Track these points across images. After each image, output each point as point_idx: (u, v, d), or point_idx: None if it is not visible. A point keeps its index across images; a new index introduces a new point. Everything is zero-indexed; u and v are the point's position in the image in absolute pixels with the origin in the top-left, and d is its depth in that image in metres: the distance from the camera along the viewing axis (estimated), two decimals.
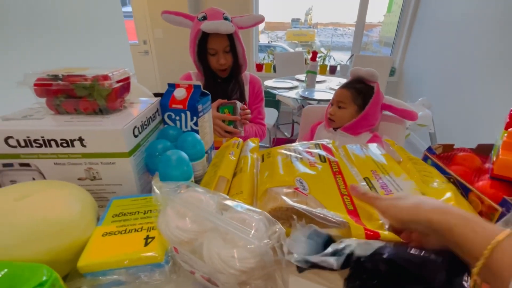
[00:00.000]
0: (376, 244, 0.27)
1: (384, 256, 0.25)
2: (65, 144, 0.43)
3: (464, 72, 2.02)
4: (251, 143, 0.65)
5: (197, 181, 0.55)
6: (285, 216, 0.40)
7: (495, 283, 0.22)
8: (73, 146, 0.43)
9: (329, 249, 0.26)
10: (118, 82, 0.48)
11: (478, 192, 0.46)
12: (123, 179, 0.47)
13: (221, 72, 0.98)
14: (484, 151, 0.61)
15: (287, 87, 2.15)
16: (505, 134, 0.46)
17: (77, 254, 0.34)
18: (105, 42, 1.72)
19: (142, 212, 0.41)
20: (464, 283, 0.23)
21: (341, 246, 0.26)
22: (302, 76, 2.42)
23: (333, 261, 0.24)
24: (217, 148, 0.69)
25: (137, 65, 2.42)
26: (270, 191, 0.44)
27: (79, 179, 0.46)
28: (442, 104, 2.18)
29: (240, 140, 0.66)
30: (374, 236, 0.31)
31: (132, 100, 0.57)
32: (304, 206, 0.37)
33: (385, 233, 0.33)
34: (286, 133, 2.91)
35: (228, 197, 0.40)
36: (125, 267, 0.34)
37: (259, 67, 3.19)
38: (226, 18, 0.92)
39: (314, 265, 0.26)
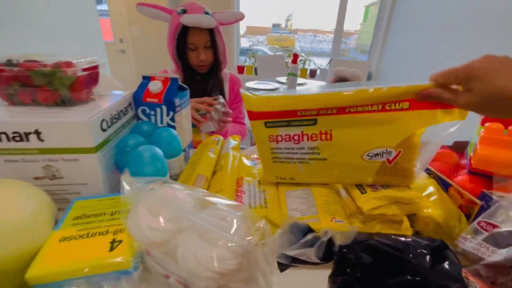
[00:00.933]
0: (353, 232, 0.25)
1: (369, 243, 0.24)
2: (18, 138, 0.38)
3: None
4: (232, 141, 0.62)
5: (173, 180, 0.51)
6: None
7: None
8: (28, 140, 0.38)
9: (308, 237, 0.24)
10: (84, 70, 0.44)
11: (458, 187, 0.47)
12: (89, 177, 0.42)
13: (200, 68, 0.94)
14: (460, 148, 0.63)
15: (268, 89, 2.15)
16: (482, 130, 0.47)
17: (29, 264, 0.29)
18: (78, 39, 1.62)
19: (109, 213, 0.37)
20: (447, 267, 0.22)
21: (319, 233, 0.24)
22: (283, 79, 2.44)
23: (312, 252, 0.22)
24: (196, 146, 0.66)
25: (113, 64, 2.31)
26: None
27: (35, 178, 0.41)
28: None
29: (221, 137, 0.63)
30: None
31: (102, 93, 0.52)
32: None
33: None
34: None
35: (208, 192, 0.37)
36: (85, 276, 0.29)
37: (241, 69, 3.18)
38: (206, 13, 0.89)
39: (296, 261, 0.24)
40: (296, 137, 0.41)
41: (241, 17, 0.99)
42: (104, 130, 0.43)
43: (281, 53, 3.27)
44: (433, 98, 0.33)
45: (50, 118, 0.38)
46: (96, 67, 0.46)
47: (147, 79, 0.56)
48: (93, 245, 0.32)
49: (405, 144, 0.36)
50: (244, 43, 5.37)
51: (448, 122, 0.35)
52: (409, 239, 0.25)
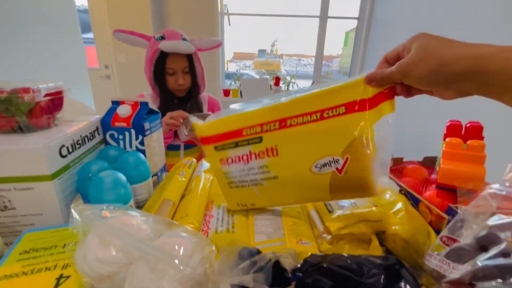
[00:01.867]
0: (292, 253, 0.24)
1: (323, 265, 0.23)
2: None
3: None
4: (206, 163, 0.61)
5: (140, 206, 0.49)
6: None
7: None
8: None
9: (247, 262, 0.23)
10: (46, 96, 0.43)
11: (427, 202, 0.47)
12: (44, 207, 0.40)
13: (178, 92, 0.95)
14: (429, 163, 0.65)
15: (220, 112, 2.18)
16: (444, 145, 0.49)
17: None
18: (61, 66, 1.63)
19: (61, 245, 0.34)
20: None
21: (256, 258, 0.23)
22: None
23: (258, 278, 0.21)
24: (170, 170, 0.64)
25: (97, 90, 2.31)
26: None
27: None
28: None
29: (194, 160, 0.62)
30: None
31: (70, 118, 0.51)
32: None
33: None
34: None
35: (169, 220, 0.35)
36: None
37: (226, 93, 3.24)
38: (184, 39, 0.92)
39: None
40: (245, 157, 0.41)
41: (218, 43, 1.03)
42: (63, 156, 0.42)
43: (266, 76, 3.38)
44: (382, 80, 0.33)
45: (1, 146, 0.37)
46: (59, 92, 0.46)
47: (116, 103, 0.56)
48: (37, 282, 0.29)
49: (350, 150, 0.35)
50: (232, 67, 5.54)
51: (385, 117, 0.34)
52: (363, 259, 0.25)
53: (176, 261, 0.26)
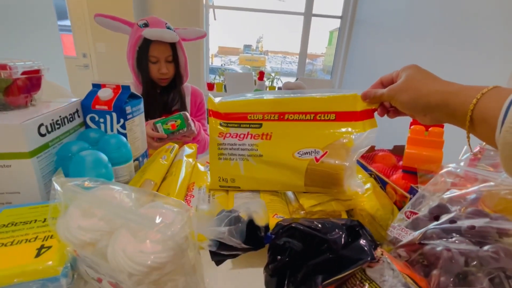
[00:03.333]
0: (261, 205, 0.27)
1: (291, 226, 0.25)
2: None
3: None
4: (188, 149, 0.62)
5: None
6: None
7: (482, 130, 0.26)
8: None
9: (222, 215, 0.25)
10: (23, 74, 0.42)
11: (393, 184, 0.52)
12: (22, 185, 0.40)
13: (160, 81, 0.95)
14: (399, 151, 0.70)
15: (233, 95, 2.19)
16: (409, 132, 0.53)
17: None
18: (36, 52, 1.55)
19: (41, 220, 0.35)
20: (362, 243, 0.24)
21: (231, 210, 0.25)
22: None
23: (233, 232, 0.23)
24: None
25: (74, 79, 2.22)
26: None
27: None
28: None
29: (176, 145, 0.63)
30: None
31: (46, 99, 0.50)
32: None
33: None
34: None
35: (150, 191, 0.36)
36: (6, 286, 0.27)
37: (211, 87, 3.22)
38: (168, 28, 0.91)
39: (227, 249, 0.24)
40: (242, 135, 0.46)
41: (202, 34, 1.03)
42: (42, 135, 0.41)
43: (250, 71, 3.40)
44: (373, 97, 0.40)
45: None
46: (37, 71, 0.45)
47: (97, 86, 0.55)
48: (17, 252, 0.30)
49: (331, 147, 0.42)
50: (217, 62, 5.47)
51: (367, 132, 0.41)
52: (328, 221, 0.28)
53: (157, 222, 0.27)
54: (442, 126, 0.54)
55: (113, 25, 0.90)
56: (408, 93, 0.34)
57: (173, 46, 0.92)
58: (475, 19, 1.47)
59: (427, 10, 1.90)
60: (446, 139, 0.50)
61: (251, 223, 0.25)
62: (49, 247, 0.31)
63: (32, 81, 0.45)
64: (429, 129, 0.51)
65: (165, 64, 0.92)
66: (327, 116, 0.43)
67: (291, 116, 0.44)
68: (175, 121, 0.79)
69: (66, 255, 0.31)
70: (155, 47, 0.89)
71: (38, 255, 0.30)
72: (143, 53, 0.90)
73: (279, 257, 0.27)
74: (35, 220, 0.35)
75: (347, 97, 0.43)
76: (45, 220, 0.35)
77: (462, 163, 0.50)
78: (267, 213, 0.27)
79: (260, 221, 0.25)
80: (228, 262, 0.33)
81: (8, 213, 0.36)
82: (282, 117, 0.45)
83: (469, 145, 0.30)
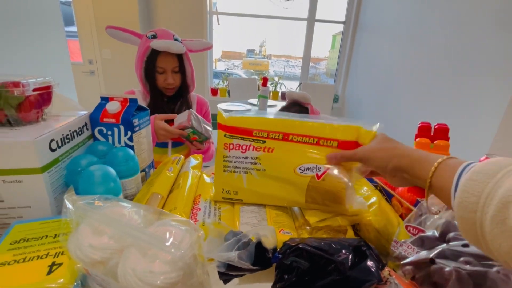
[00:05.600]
0: (271, 231, 0.28)
1: (299, 246, 0.26)
2: None
3: (392, 96, 2.34)
4: (194, 160, 0.63)
5: (129, 200, 0.50)
6: None
7: (441, 196, 0.29)
8: None
9: (231, 240, 0.26)
10: (35, 90, 0.44)
11: (399, 197, 0.52)
12: (33, 200, 0.41)
13: (167, 91, 0.96)
14: None
15: (240, 110, 2.21)
16: (414, 145, 0.53)
17: None
18: (43, 59, 1.58)
19: (52, 236, 0.36)
20: (370, 265, 0.24)
21: (240, 235, 0.26)
22: (254, 100, 2.52)
23: (242, 256, 0.24)
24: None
25: (81, 85, 2.25)
26: None
27: None
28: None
29: (182, 156, 0.64)
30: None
31: (58, 113, 0.52)
32: None
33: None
34: None
35: (158, 209, 0.37)
36: None
37: (214, 92, 3.24)
38: (176, 39, 0.93)
39: (234, 269, 0.25)
40: (244, 147, 0.47)
41: (209, 46, 1.04)
42: (53, 150, 0.42)
43: (254, 76, 3.41)
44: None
45: None
46: (48, 87, 0.46)
47: (105, 99, 0.56)
48: (29, 270, 0.30)
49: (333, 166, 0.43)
50: (220, 66, 5.51)
51: None
52: (334, 241, 0.28)
53: (167, 244, 0.28)
54: (448, 139, 0.54)
55: (123, 37, 0.92)
56: (382, 152, 0.37)
57: (180, 57, 0.93)
58: (480, 24, 1.46)
59: (429, 15, 1.90)
60: (452, 152, 0.50)
61: (259, 245, 0.25)
62: (60, 264, 0.31)
63: (43, 97, 0.46)
64: (435, 142, 0.51)
65: (171, 74, 0.94)
66: (330, 143, 0.45)
67: (295, 138, 0.46)
68: (199, 137, 0.88)
69: (77, 272, 0.31)
70: (162, 58, 0.91)
71: (49, 272, 0.30)
72: (150, 63, 0.91)
73: (286, 276, 0.28)
74: (46, 236, 0.35)
75: (350, 127, 0.44)
76: (55, 236, 0.36)
77: None
78: (275, 237, 0.27)
79: (268, 244, 0.26)
80: (235, 279, 0.33)
81: (19, 228, 0.37)
82: (286, 137, 0.46)
83: (427, 205, 0.33)
